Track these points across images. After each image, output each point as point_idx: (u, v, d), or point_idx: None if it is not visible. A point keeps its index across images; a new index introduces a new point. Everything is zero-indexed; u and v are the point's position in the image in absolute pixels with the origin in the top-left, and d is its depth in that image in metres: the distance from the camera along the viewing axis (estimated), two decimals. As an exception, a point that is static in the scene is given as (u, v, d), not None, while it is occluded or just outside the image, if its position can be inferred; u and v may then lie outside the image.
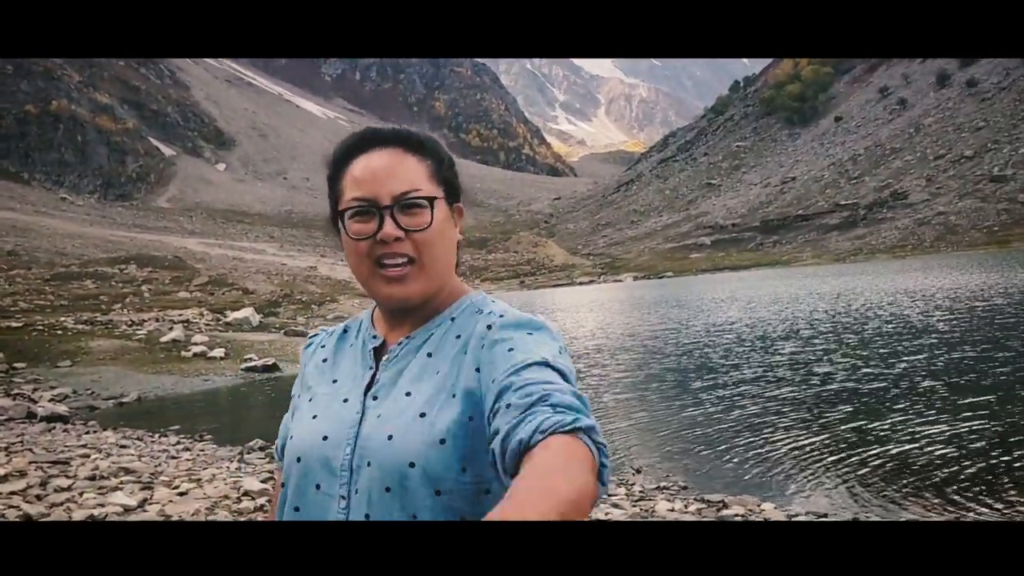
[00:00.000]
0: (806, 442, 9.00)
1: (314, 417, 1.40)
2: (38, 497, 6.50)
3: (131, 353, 20.76)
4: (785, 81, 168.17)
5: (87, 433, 11.16)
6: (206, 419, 12.54)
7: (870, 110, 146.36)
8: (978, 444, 8.26)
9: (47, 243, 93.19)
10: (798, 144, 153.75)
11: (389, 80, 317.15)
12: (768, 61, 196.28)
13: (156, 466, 8.41)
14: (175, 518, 5.91)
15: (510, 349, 1.27)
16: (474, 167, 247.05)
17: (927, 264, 58.68)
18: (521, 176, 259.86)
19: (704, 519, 6.34)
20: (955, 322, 19.11)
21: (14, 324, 25.88)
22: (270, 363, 18.42)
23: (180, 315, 31.81)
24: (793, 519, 6.36)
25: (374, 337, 1.45)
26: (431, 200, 1.35)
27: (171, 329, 25.59)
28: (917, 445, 8.42)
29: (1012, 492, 6.72)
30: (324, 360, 1.50)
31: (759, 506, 6.70)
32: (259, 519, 5.92)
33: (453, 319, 1.41)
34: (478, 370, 1.30)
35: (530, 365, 1.22)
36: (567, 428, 1.07)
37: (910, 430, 9.09)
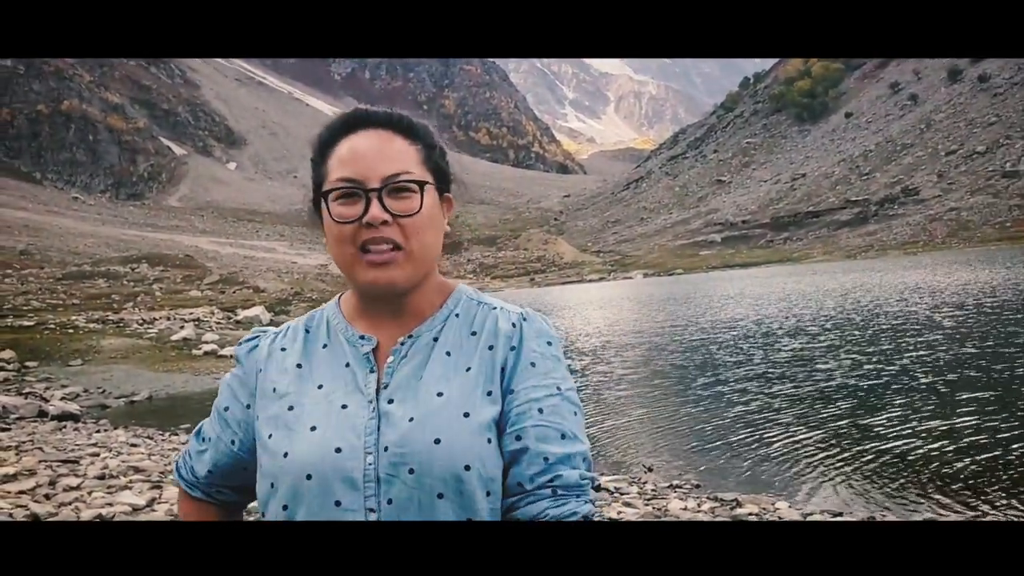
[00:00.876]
0: (819, 439, 8.91)
1: (313, 428, 1.29)
2: (47, 496, 6.46)
3: (142, 352, 20.80)
4: (795, 77, 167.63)
5: (98, 432, 11.14)
6: (216, 418, 12.48)
7: (881, 106, 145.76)
8: (998, 443, 8.16)
9: (59, 242, 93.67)
10: (808, 140, 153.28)
11: (399, 78, 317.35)
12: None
13: (166, 465, 8.38)
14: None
15: (532, 364, 1.32)
16: (484, 165, 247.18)
17: (940, 260, 58.37)
18: (531, 174, 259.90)
19: (718, 518, 6.27)
20: (968, 318, 18.98)
21: (26, 323, 25.98)
22: (280, 361, 18.39)
23: (191, 314, 31.88)
24: (808, 518, 6.28)
25: (362, 337, 1.36)
26: (421, 184, 1.30)
27: (182, 328, 25.64)
28: (933, 443, 8.33)
29: (1030, 490, 6.63)
30: (298, 365, 1.38)
31: (773, 505, 6.63)
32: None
33: (457, 315, 1.37)
34: (503, 369, 1.32)
35: (548, 397, 1.30)
36: (563, 522, 1.24)
37: (925, 428, 9.00)
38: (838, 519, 6.20)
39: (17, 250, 79.52)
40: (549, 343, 1.35)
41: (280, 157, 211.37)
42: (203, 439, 1.48)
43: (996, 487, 6.80)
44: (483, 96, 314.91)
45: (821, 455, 8.30)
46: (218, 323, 29.59)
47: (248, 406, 1.40)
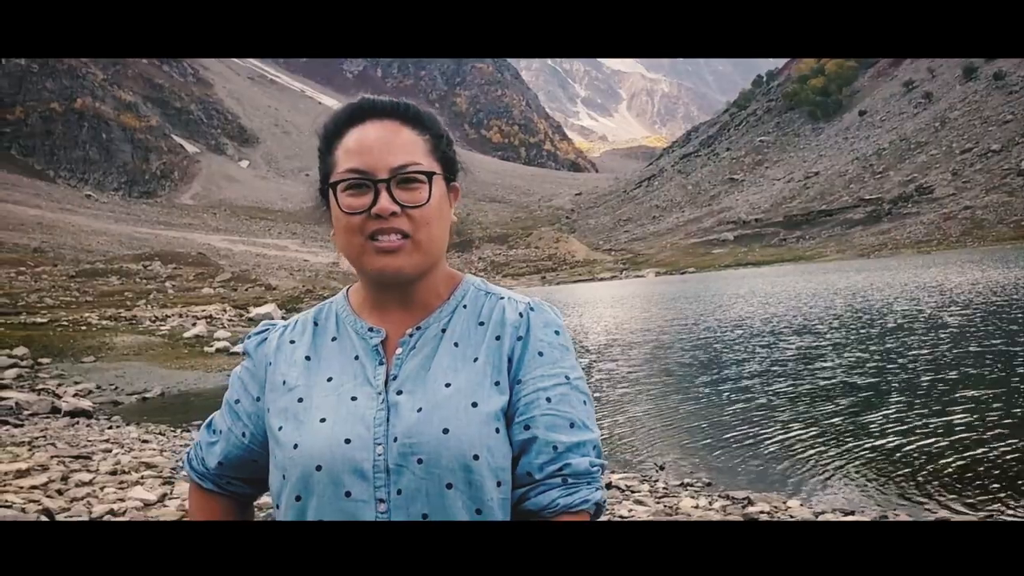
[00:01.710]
0: (830, 437, 8.87)
1: (322, 420, 1.30)
2: (59, 492, 6.49)
3: (154, 349, 20.89)
4: (808, 75, 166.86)
5: (110, 428, 11.19)
6: (228, 414, 12.50)
7: (895, 104, 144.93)
8: (1012, 443, 8.10)
9: (72, 240, 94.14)
10: (822, 139, 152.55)
11: (410, 76, 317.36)
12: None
13: (177, 461, 8.40)
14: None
15: (540, 353, 1.32)
16: (495, 163, 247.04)
17: (954, 259, 58.03)
18: (542, 172, 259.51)
19: (729, 516, 6.24)
20: (985, 316, 18.86)
21: (39, 320, 26.12)
22: (292, 358, 18.43)
23: (203, 311, 32.00)
24: (820, 517, 6.25)
25: (371, 330, 1.36)
26: (430, 175, 1.30)
27: (194, 325, 25.74)
28: (947, 441, 8.28)
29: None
30: (307, 358, 1.38)
31: (785, 503, 6.59)
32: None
33: (465, 306, 1.37)
34: (510, 359, 1.32)
35: (556, 386, 1.31)
36: (574, 510, 1.27)
37: (938, 426, 8.94)
38: (849, 518, 6.17)
39: (31, 248, 79.97)
40: (557, 332, 1.35)
41: (292, 155, 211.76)
42: (214, 431, 1.49)
43: (1009, 487, 6.75)
44: (495, 94, 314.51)
45: (832, 453, 8.26)
46: (230, 320, 29.69)
47: (258, 399, 1.41)
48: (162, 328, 25.44)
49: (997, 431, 8.51)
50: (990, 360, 12.97)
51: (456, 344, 1.33)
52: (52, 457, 8.04)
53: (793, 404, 10.95)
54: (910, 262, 61.16)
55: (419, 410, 1.27)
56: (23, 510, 5.52)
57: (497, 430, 1.27)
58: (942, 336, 16.12)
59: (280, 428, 1.33)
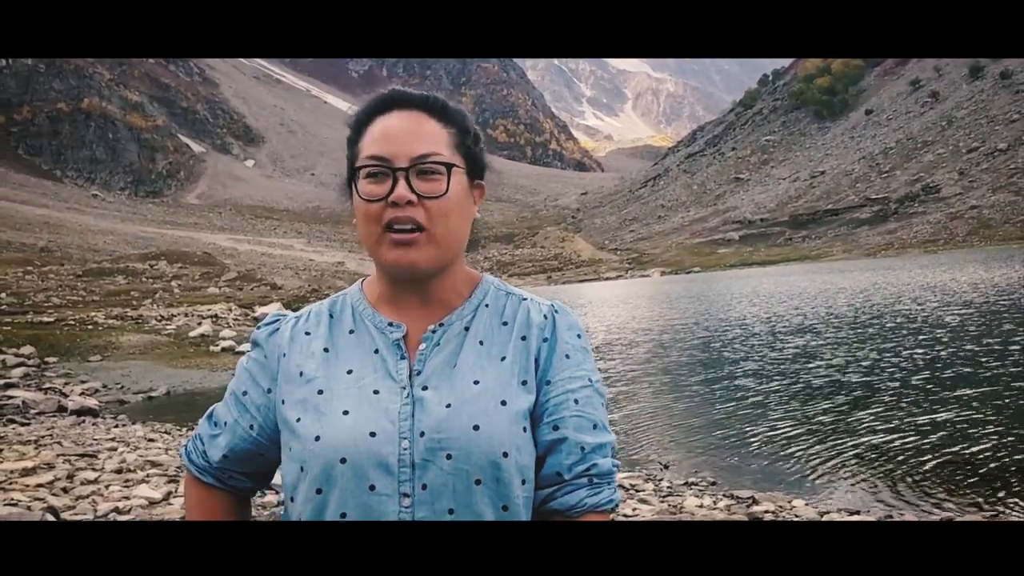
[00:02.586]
0: (835, 437, 8.86)
1: (345, 413, 1.29)
2: (64, 490, 6.51)
3: (160, 348, 20.92)
4: (815, 74, 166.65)
5: (116, 427, 11.22)
6: (233, 413, 12.52)
7: (901, 103, 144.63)
8: (1018, 443, 8.08)
9: (79, 239, 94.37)
10: (828, 138, 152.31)
11: (416, 76, 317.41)
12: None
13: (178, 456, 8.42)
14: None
15: (567, 356, 1.35)
16: (501, 162, 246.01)
17: (960, 258, 57.89)
18: (548, 171, 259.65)
19: (734, 515, 6.23)
20: (992, 316, 18.81)
21: (46, 319, 26.18)
22: (297, 358, 18.45)
23: (209, 310, 32.04)
24: (824, 516, 6.24)
25: (391, 324, 1.35)
26: (449, 167, 1.30)
27: (200, 324, 25.78)
28: (953, 442, 8.26)
29: (1051, 489, 6.56)
30: (325, 349, 1.37)
31: (790, 503, 6.59)
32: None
33: (487, 305, 1.37)
34: (537, 360, 1.33)
35: (582, 388, 1.34)
36: (600, 509, 1.32)
37: (945, 425, 8.92)
38: (854, 518, 6.16)
39: (38, 247, 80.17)
40: (579, 336, 1.37)
41: (298, 155, 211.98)
42: (216, 423, 1.46)
43: (1017, 487, 6.73)
44: (500, 93, 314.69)
45: (836, 453, 8.24)
46: (236, 320, 29.73)
47: (269, 390, 1.39)
48: (168, 327, 25.49)
49: (1004, 432, 8.49)
50: (1005, 360, 12.93)
51: (481, 343, 1.33)
52: (58, 455, 8.06)
53: (798, 403, 10.93)
54: (916, 261, 61.04)
55: (448, 406, 1.26)
56: (28, 508, 5.53)
57: (524, 429, 1.28)
58: (950, 336, 16.08)
59: (298, 420, 1.31)
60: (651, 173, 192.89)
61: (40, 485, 6.55)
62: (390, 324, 1.35)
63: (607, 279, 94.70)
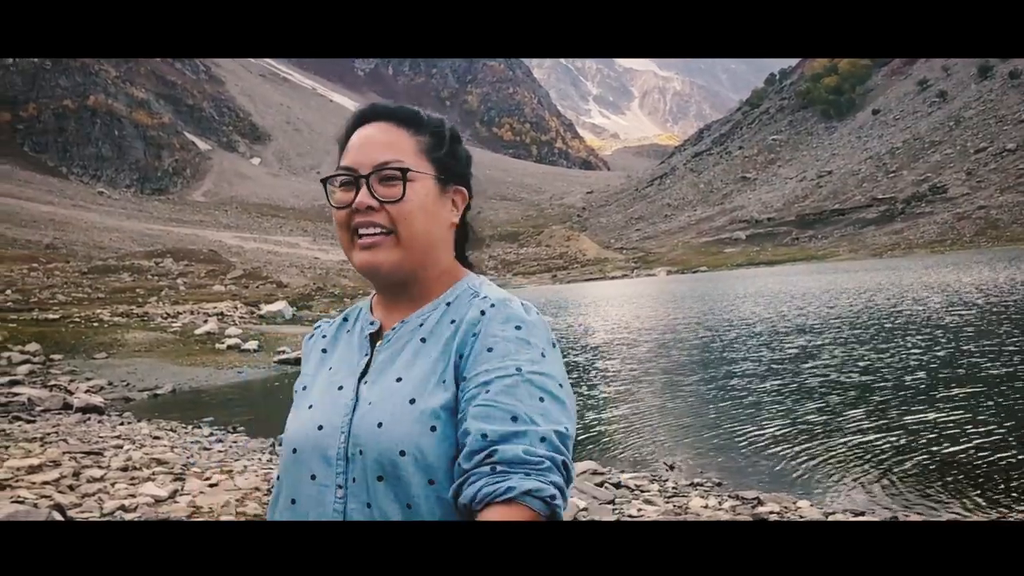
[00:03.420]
0: (841, 438, 8.84)
1: (310, 407, 1.37)
2: (70, 487, 6.53)
3: (166, 345, 20.96)
4: (822, 74, 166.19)
5: (121, 424, 11.25)
6: (239, 411, 12.58)
7: (909, 103, 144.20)
8: None
9: (85, 236, 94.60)
10: (835, 137, 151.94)
11: (422, 74, 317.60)
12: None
13: (188, 457, 8.44)
14: (205, 509, 5.91)
15: (489, 349, 1.28)
16: (507, 161, 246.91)
17: (967, 259, 57.72)
18: (553, 170, 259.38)
19: (739, 516, 6.22)
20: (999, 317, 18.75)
21: (52, 316, 26.25)
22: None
23: (215, 308, 32.10)
24: (830, 517, 6.22)
25: (371, 323, 1.42)
26: (405, 172, 1.33)
27: (205, 322, 25.83)
28: (957, 442, 8.23)
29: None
30: (324, 351, 1.47)
31: (795, 503, 6.57)
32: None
33: (449, 303, 1.38)
34: (461, 356, 1.30)
35: (500, 378, 1.24)
36: (500, 499, 1.13)
37: (950, 427, 8.89)
38: (860, 519, 6.14)
39: (43, 244, 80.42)
40: (518, 327, 1.30)
41: (304, 153, 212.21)
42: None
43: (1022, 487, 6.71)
44: (506, 92, 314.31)
45: (842, 454, 8.23)
46: (241, 318, 29.79)
47: (301, 389, 1.48)
48: (174, 325, 25.53)
49: (1013, 433, 8.46)
50: (1016, 361, 12.89)
51: (423, 340, 1.34)
52: (64, 453, 8.09)
53: (803, 404, 10.91)
54: (922, 262, 60.88)
55: (370, 403, 1.30)
56: (35, 505, 5.54)
57: (433, 428, 1.25)
58: (960, 336, 16.04)
59: (291, 413, 1.43)
60: (657, 172, 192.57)
61: (46, 482, 6.57)
62: (371, 323, 1.42)
63: (613, 278, 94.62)
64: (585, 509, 6.15)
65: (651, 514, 6.24)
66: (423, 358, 1.32)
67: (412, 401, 1.27)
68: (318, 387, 1.40)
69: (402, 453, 1.23)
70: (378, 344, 1.38)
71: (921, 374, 12.37)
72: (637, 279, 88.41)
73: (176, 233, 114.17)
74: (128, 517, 5.64)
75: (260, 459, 8.52)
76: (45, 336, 20.59)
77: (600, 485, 7.04)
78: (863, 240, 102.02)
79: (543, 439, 1.19)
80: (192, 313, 29.68)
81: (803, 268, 73.29)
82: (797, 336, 18.65)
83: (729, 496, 6.86)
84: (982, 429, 8.71)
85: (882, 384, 11.89)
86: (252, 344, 21.00)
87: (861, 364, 13.84)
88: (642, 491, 7.03)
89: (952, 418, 9.32)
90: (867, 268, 58.00)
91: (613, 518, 6.09)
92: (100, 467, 7.48)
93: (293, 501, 1.31)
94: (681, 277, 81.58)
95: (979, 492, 6.72)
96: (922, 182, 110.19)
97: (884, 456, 8.02)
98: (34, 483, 6.53)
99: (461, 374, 1.28)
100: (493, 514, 1.13)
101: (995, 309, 20.81)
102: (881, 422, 9.44)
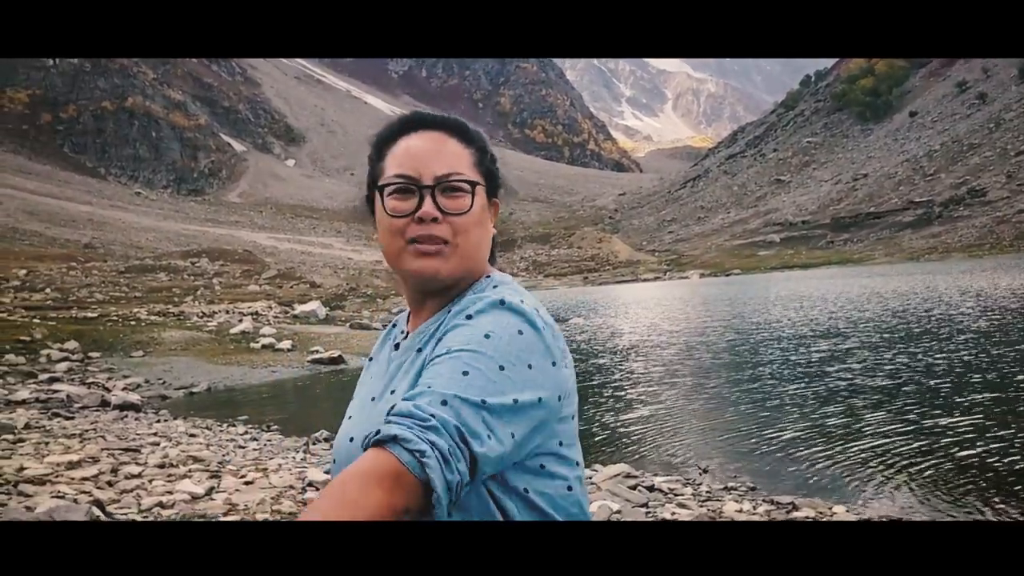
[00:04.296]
0: (877, 442, 8.73)
1: (349, 418, 1.40)
2: (109, 483, 6.61)
3: (201, 344, 21.17)
4: (858, 75, 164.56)
5: (158, 422, 11.36)
6: (273, 410, 12.66)
7: (947, 105, 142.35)
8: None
9: (122, 236, 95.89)
10: (871, 140, 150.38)
11: (455, 76, 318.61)
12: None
13: (224, 455, 8.52)
14: (241, 506, 5.96)
15: (439, 340, 1.29)
16: (539, 163, 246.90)
17: (1005, 263, 56.80)
18: (586, 172, 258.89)
19: (774, 521, 6.16)
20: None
21: (90, 314, 26.60)
22: (336, 355, 18.60)
23: (249, 307, 32.38)
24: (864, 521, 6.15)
25: (401, 332, 1.44)
26: (473, 185, 1.35)
27: (240, 321, 26.06)
28: (999, 450, 8.10)
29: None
30: (370, 358, 1.49)
31: (830, 509, 6.50)
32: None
33: (450, 310, 1.36)
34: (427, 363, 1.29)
35: (434, 364, 1.22)
36: (373, 441, 1.10)
37: (991, 433, 8.76)
38: (894, 518, 6.05)
39: (82, 243, 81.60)
40: (469, 316, 1.27)
41: (338, 155, 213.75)
42: None
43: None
44: (539, 93, 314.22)
45: (879, 458, 8.12)
46: (275, 317, 30.01)
47: None
48: (209, 324, 25.78)
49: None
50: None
51: (419, 350, 1.34)
52: (102, 449, 8.19)
53: (839, 407, 10.79)
54: (959, 266, 60.01)
55: (366, 417, 1.33)
56: (75, 501, 5.62)
57: None
58: (1000, 342, 15.79)
59: None
60: (691, 174, 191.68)
61: (85, 478, 6.66)
62: (401, 332, 1.44)
63: (645, 280, 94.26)
64: (619, 511, 6.13)
65: (684, 518, 6.20)
66: (414, 367, 1.33)
67: (373, 399, 1.34)
68: (358, 397, 1.42)
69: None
70: (393, 354, 1.42)
71: (969, 378, 12.18)
72: (669, 281, 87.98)
73: (212, 233, 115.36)
74: (166, 514, 5.71)
75: (294, 457, 8.58)
76: (83, 334, 20.88)
77: (633, 488, 7.01)
78: (899, 243, 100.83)
79: (444, 402, 1.14)
80: (227, 312, 29.96)
81: (838, 271, 72.54)
82: (829, 340, 18.46)
83: (764, 500, 6.80)
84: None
85: (924, 389, 11.73)
86: (286, 344, 21.16)
87: (888, 368, 13.67)
88: (676, 495, 6.99)
89: (999, 424, 9.17)
90: (903, 272, 57.28)
91: (649, 518, 6.06)
92: (138, 464, 7.57)
93: None
94: (714, 280, 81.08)
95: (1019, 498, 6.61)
96: (960, 185, 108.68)
97: (922, 461, 7.91)
98: (73, 479, 6.62)
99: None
100: (367, 456, 1.08)
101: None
102: (922, 426, 9.31)
